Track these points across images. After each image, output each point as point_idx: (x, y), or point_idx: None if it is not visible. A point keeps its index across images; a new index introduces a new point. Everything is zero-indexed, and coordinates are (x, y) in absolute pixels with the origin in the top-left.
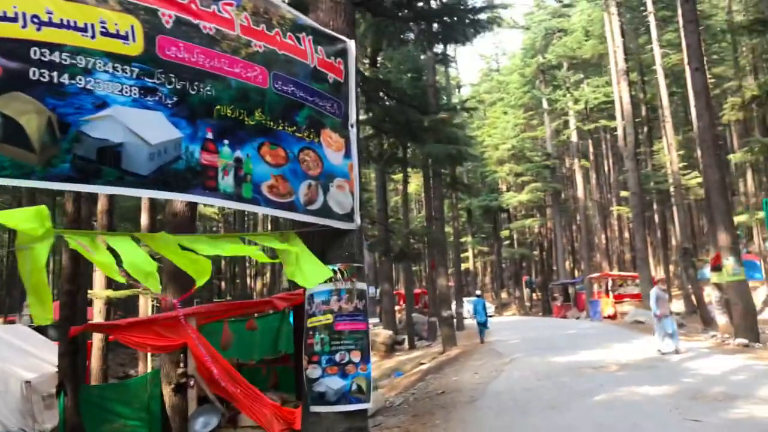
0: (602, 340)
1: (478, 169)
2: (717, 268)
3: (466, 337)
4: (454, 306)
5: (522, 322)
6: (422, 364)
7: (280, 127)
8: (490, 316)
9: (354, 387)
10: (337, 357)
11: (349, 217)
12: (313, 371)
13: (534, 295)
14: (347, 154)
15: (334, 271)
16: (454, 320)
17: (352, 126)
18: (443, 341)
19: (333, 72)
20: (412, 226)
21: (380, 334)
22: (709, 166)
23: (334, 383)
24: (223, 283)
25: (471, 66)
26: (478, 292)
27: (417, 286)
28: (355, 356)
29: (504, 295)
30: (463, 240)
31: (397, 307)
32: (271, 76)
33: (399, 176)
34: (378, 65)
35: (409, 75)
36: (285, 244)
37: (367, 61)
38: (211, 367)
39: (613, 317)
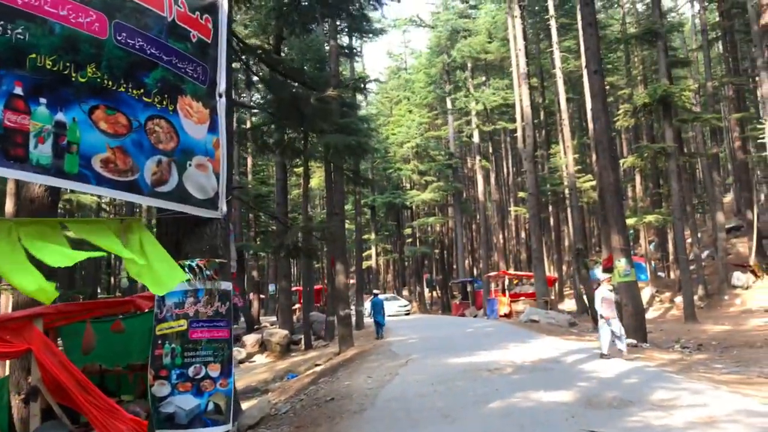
0: (498, 339)
1: (383, 165)
2: (609, 269)
3: (366, 336)
4: (354, 304)
5: (422, 321)
6: (317, 365)
7: (122, 89)
8: (407, 314)
9: (210, 406)
10: (191, 371)
11: (212, 203)
12: (161, 388)
13: (434, 293)
14: (213, 129)
15: (192, 268)
16: (353, 319)
17: (220, 96)
18: (340, 341)
19: (198, 30)
20: (315, 221)
21: (275, 333)
22: (605, 167)
23: (185, 402)
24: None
25: (380, 64)
26: (376, 291)
27: (319, 283)
28: (214, 370)
29: (405, 292)
30: (366, 237)
31: (297, 305)
32: (112, 25)
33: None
34: (282, 54)
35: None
36: (131, 250)
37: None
38: (59, 375)
39: (508, 316)
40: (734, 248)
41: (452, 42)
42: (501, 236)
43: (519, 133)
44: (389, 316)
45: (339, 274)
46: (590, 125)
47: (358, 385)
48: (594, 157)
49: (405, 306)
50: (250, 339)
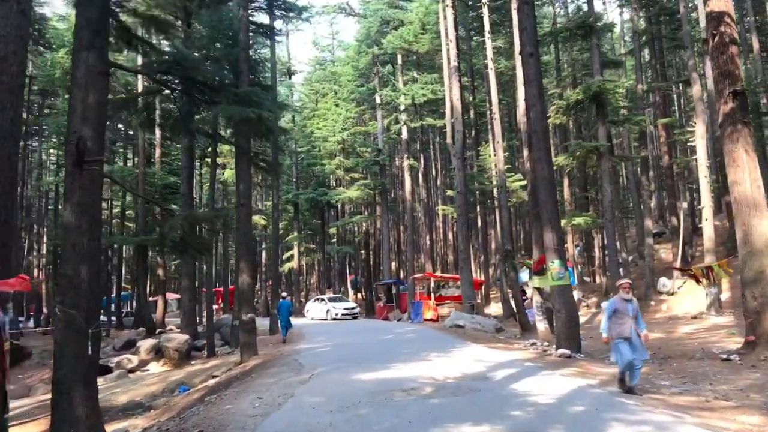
0: (420, 348)
1: (307, 161)
2: (540, 271)
3: (279, 340)
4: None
5: (342, 325)
6: (214, 376)
7: None
8: (355, 317)
9: None
10: None
11: None
12: None
13: (359, 295)
14: None
15: None
16: (268, 324)
17: None
18: (241, 350)
19: None
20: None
21: (174, 339)
22: (539, 160)
23: None
24: None
25: (305, 55)
26: (284, 294)
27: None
28: None
29: (330, 294)
30: (288, 237)
31: (215, 307)
32: None
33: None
34: (191, 27)
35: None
36: None
37: (179, 23)
38: None
39: (434, 320)
40: (657, 254)
41: (382, 34)
42: (428, 237)
43: (448, 129)
44: (334, 319)
45: (243, 273)
46: (521, 125)
47: (241, 410)
48: (525, 154)
49: (353, 309)
50: (146, 345)
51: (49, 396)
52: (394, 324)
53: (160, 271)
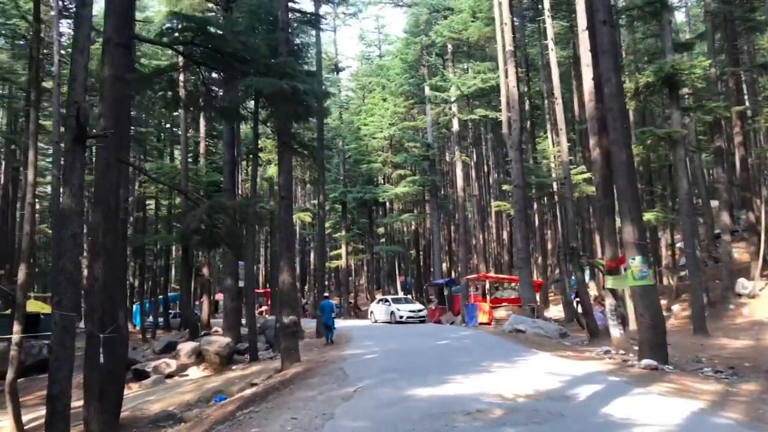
0: (480, 356)
1: (354, 158)
2: (613, 270)
3: (325, 344)
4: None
5: (391, 328)
6: (253, 384)
7: None
8: (422, 321)
9: None
10: None
11: None
12: None
13: (409, 297)
14: None
15: None
16: (296, 327)
17: None
18: (282, 355)
19: None
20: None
21: (215, 342)
22: (616, 142)
23: None
24: None
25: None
26: (326, 294)
27: None
28: None
29: (379, 296)
30: (336, 236)
31: (264, 308)
32: None
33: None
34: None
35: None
36: None
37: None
38: None
39: (489, 323)
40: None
41: (431, 24)
42: (481, 236)
43: (504, 118)
44: (398, 322)
45: (283, 271)
46: (586, 112)
47: None
48: (591, 142)
49: (419, 311)
50: (186, 348)
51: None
52: (447, 327)
53: (205, 270)
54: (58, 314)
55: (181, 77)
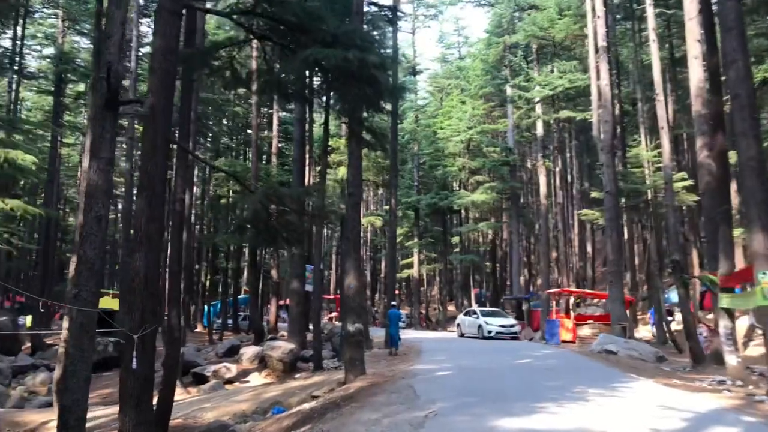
0: (571, 380)
1: (429, 163)
2: (728, 289)
3: (394, 356)
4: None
5: (465, 343)
6: (314, 397)
7: None
8: (514, 337)
9: None
10: None
11: None
12: None
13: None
14: None
15: None
16: (361, 336)
17: None
18: (346, 367)
19: None
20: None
21: (278, 347)
22: (744, 134)
23: None
24: None
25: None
26: (393, 303)
27: None
28: None
29: (452, 308)
30: (408, 244)
31: (333, 314)
32: None
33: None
34: None
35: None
36: None
37: None
38: None
39: (573, 342)
40: None
41: (513, 25)
42: (564, 247)
43: (594, 119)
44: (486, 337)
45: (349, 274)
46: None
47: None
48: (698, 144)
49: (511, 326)
50: (248, 352)
51: None
52: (526, 344)
53: (273, 273)
54: (75, 309)
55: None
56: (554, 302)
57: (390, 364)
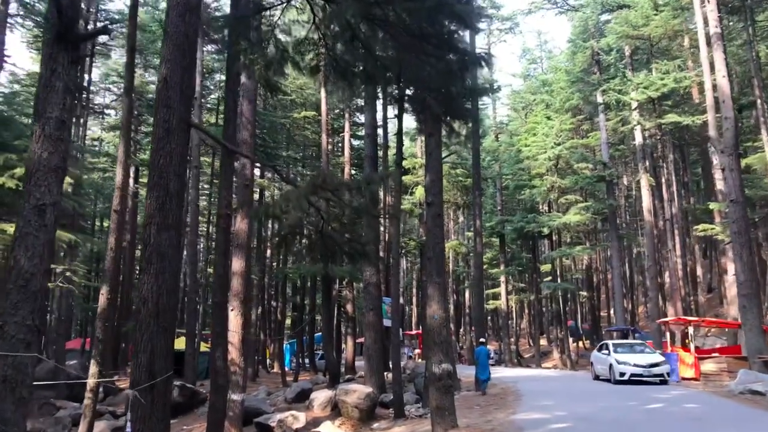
0: None
1: (514, 182)
2: None
3: (488, 401)
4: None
5: (568, 382)
6: None
7: None
8: (662, 381)
9: None
10: None
11: None
12: None
13: (580, 343)
14: None
15: None
16: (450, 380)
17: None
18: (433, 418)
19: None
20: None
21: (353, 391)
22: None
23: None
24: None
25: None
26: (482, 339)
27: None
28: None
29: (543, 342)
30: (493, 272)
31: (416, 351)
32: None
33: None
34: None
35: None
36: None
37: None
38: None
39: (696, 379)
40: None
41: (600, 29)
42: (677, 270)
43: (710, 119)
44: (619, 381)
45: (432, 302)
46: None
47: None
48: None
49: (656, 365)
50: (320, 398)
51: None
52: (642, 386)
53: (349, 307)
54: None
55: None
56: (668, 333)
57: (485, 412)
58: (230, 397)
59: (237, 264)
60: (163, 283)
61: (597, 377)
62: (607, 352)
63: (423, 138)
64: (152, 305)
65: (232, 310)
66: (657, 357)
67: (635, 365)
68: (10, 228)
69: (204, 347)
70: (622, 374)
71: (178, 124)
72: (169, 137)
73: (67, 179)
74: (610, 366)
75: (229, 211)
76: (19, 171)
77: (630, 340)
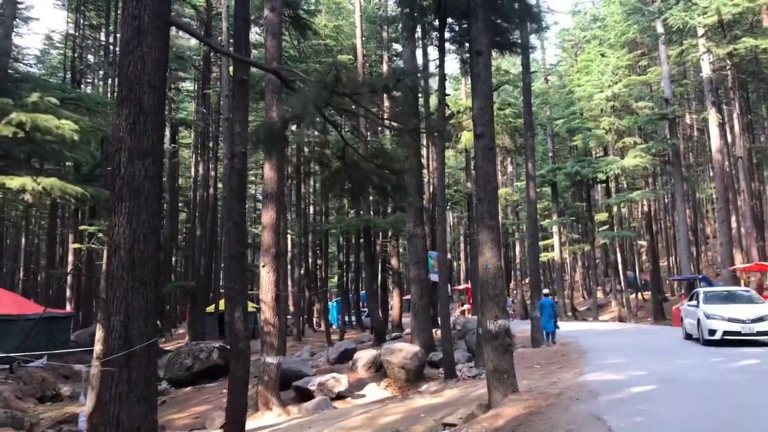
0: None
1: (566, 126)
2: None
3: (549, 359)
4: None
5: (633, 336)
6: (447, 426)
7: None
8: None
9: None
10: None
11: None
12: None
13: (639, 295)
14: None
15: None
16: (509, 338)
17: None
18: (489, 382)
19: None
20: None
21: (398, 351)
22: None
23: None
24: None
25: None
26: (545, 291)
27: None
28: None
29: (600, 294)
30: (545, 223)
31: (465, 306)
32: None
33: None
34: None
35: None
36: None
37: None
38: None
39: None
40: None
41: None
42: (748, 213)
43: None
44: (708, 340)
45: (485, 249)
46: None
47: None
48: None
49: (764, 320)
50: (364, 358)
51: None
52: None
53: (393, 262)
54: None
55: None
56: (742, 282)
57: (547, 372)
58: (265, 360)
59: (267, 216)
60: (138, 225)
61: (689, 336)
62: (695, 303)
63: (468, 69)
64: (125, 253)
65: (263, 266)
66: (763, 307)
67: (730, 319)
68: (9, 181)
69: (251, 307)
70: (711, 332)
71: (151, 21)
72: (140, 37)
73: None
74: (698, 321)
75: (244, 150)
76: (15, 117)
77: (730, 287)
